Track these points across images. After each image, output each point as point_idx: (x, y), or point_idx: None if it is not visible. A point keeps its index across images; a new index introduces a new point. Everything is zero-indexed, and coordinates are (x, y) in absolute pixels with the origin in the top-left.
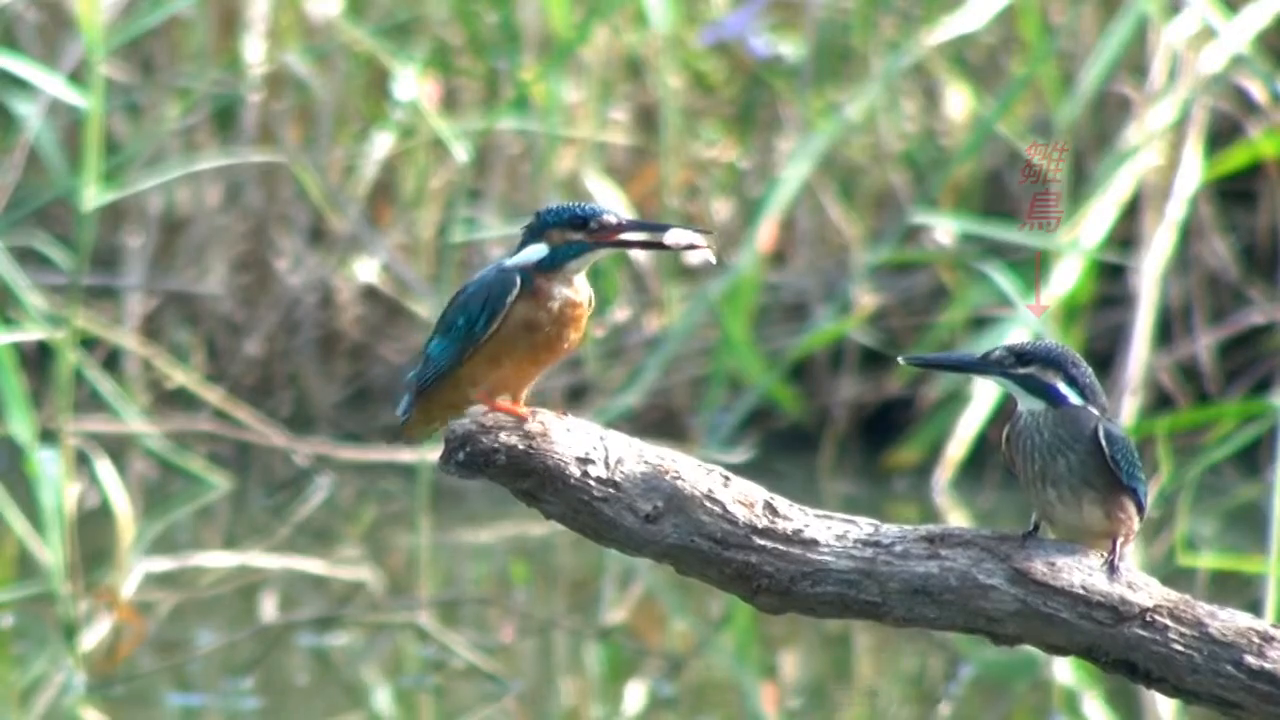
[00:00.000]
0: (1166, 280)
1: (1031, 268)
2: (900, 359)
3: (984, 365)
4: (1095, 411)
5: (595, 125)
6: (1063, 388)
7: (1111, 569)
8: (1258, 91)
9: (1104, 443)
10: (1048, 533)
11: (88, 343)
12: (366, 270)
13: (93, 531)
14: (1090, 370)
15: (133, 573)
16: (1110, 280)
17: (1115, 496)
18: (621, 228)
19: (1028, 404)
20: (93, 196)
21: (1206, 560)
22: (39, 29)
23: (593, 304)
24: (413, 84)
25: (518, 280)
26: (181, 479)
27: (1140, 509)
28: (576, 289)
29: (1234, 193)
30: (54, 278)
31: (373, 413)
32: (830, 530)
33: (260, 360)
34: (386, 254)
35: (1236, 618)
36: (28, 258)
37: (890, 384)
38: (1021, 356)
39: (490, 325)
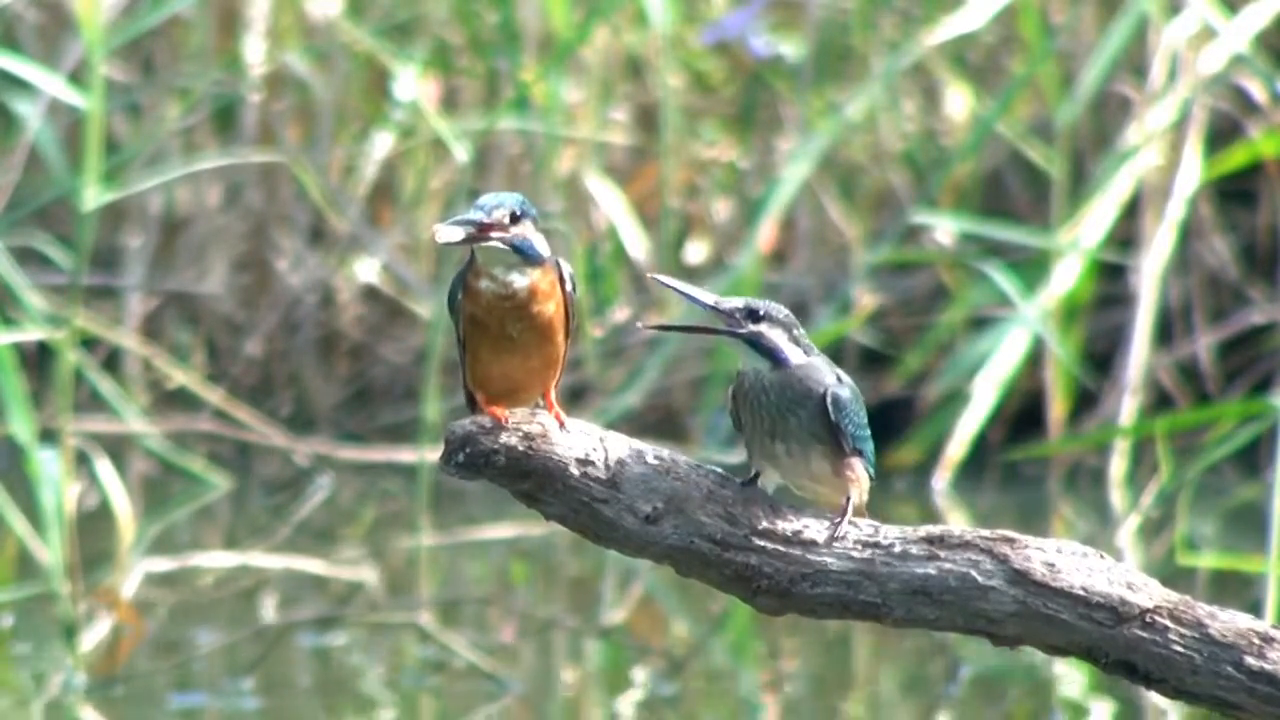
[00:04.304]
0: (1166, 280)
1: (1031, 268)
2: (639, 324)
3: (714, 325)
4: (826, 370)
5: (595, 125)
6: (786, 348)
7: (834, 534)
8: (1258, 91)
9: (830, 408)
10: (781, 486)
11: (88, 343)
12: (367, 270)
13: (93, 531)
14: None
15: (133, 573)
16: (1110, 280)
17: (843, 452)
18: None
19: (751, 362)
20: (93, 196)
21: (1206, 560)
22: (39, 29)
23: (538, 293)
24: (413, 84)
25: (457, 281)
26: (181, 479)
27: (869, 467)
28: (499, 280)
29: (1234, 193)
30: (54, 278)
31: (373, 413)
32: (829, 531)
33: (260, 360)
34: (387, 254)
35: (1237, 619)
36: (28, 258)
37: (890, 384)
38: (754, 314)
39: (458, 328)
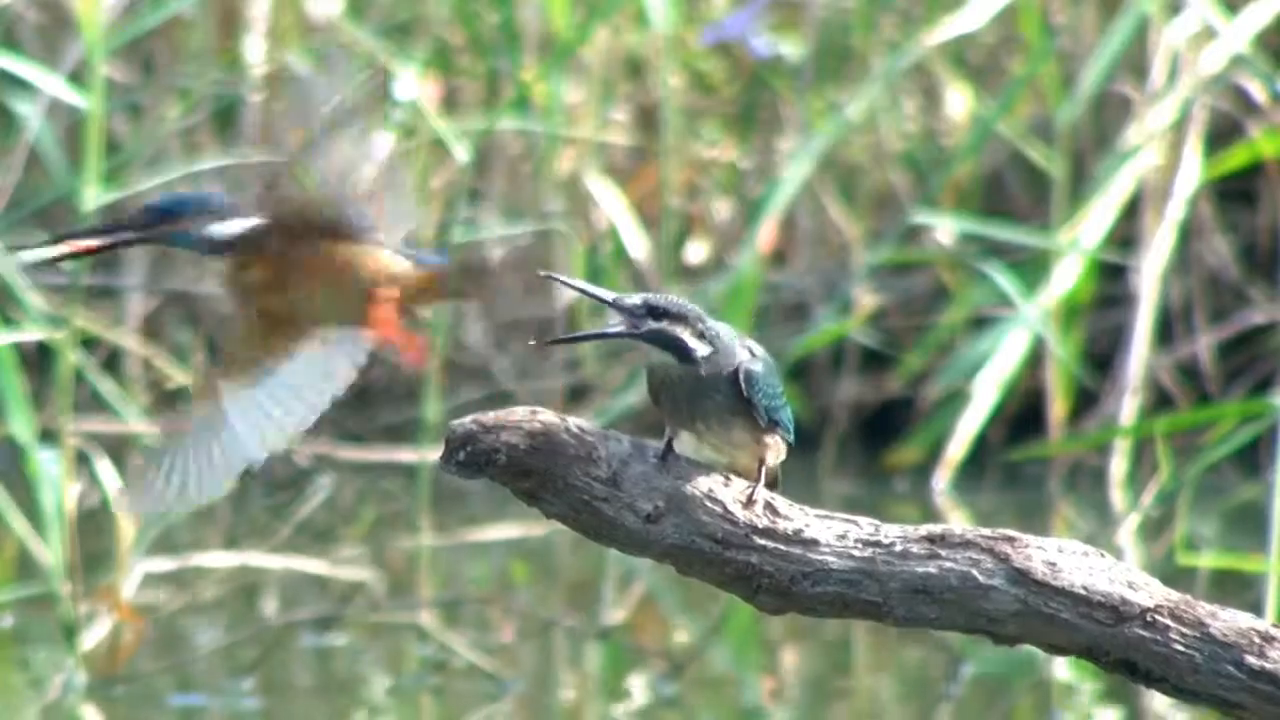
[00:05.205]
0: (1166, 280)
1: (1031, 268)
2: (531, 342)
3: (612, 329)
4: (736, 348)
5: (595, 125)
6: (691, 342)
7: (749, 501)
8: (1258, 91)
9: (743, 384)
10: (697, 450)
11: (88, 343)
12: None
13: (93, 531)
14: (714, 324)
15: (133, 573)
16: (1110, 280)
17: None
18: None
19: (658, 358)
20: (93, 196)
21: (1207, 560)
22: (39, 29)
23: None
24: (413, 84)
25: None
26: None
27: (787, 435)
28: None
29: (1234, 193)
30: (54, 278)
31: (373, 413)
32: (830, 530)
33: None
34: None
35: (1237, 618)
36: None
37: (890, 384)
38: (654, 310)
39: None
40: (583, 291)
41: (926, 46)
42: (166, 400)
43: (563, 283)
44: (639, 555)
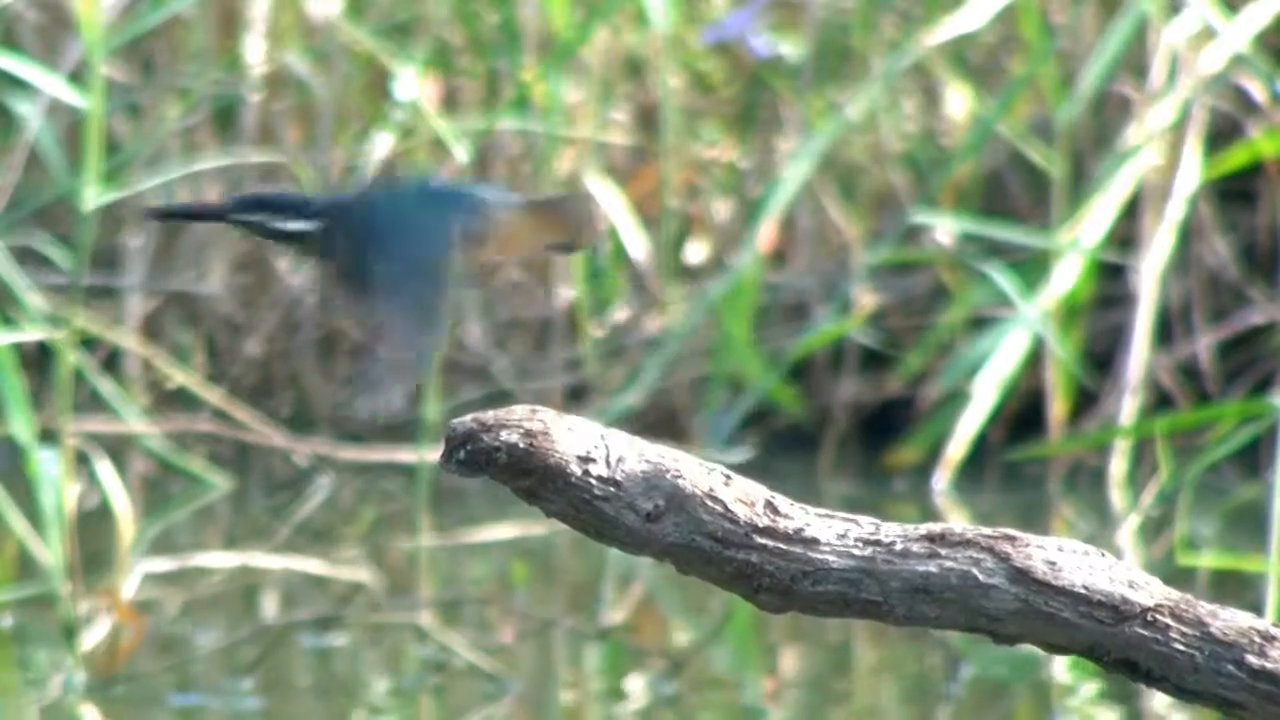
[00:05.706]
0: (1166, 280)
1: (1031, 268)
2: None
3: (217, 208)
4: None
5: (595, 125)
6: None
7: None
8: (1258, 91)
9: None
10: None
11: (88, 343)
12: None
13: (93, 531)
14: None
15: (133, 573)
16: (1110, 280)
17: None
18: None
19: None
20: (93, 196)
21: (1206, 560)
22: (39, 29)
23: None
24: (413, 84)
25: None
26: (181, 479)
27: None
28: None
29: (1234, 193)
30: (54, 278)
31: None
32: (831, 529)
33: (260, 360)
34: None
35: (1238, 617)
36: (28, 258)
37: (890, 384)
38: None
39: None
40: (188, 213)
41: (926, 46)
42: (166, 400)
43: (169, 213)
44: (639, 554)
